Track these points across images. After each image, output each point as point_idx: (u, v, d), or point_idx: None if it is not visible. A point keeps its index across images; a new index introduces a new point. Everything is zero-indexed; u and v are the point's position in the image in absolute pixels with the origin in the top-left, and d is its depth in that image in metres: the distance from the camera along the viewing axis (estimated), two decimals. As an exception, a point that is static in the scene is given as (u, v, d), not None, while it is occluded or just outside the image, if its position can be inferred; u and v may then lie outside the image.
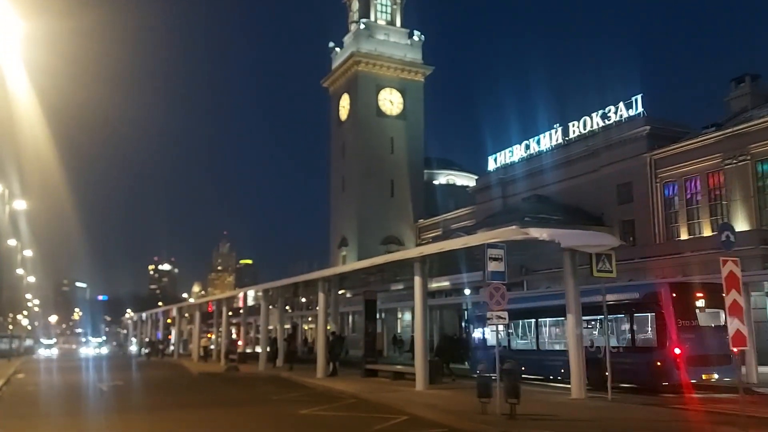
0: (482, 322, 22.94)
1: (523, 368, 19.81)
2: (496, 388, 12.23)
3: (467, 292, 35.70)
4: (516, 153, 50.83)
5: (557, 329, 21.22)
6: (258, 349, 42.93)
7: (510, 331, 22.52)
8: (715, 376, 16.77)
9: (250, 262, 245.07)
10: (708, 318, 17.67)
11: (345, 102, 67.41)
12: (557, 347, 20.82)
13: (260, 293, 34.59)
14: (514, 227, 14.96)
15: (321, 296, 24.56)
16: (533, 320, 22.20)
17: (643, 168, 40.85)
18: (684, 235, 38.09)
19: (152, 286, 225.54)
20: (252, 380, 24.87)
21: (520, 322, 22.77)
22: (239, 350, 37.91)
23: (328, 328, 26.26)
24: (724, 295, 9.67)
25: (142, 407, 16.61)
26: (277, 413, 15.02)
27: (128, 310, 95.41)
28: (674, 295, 17.26)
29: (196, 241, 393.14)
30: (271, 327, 38.60)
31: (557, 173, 46.37)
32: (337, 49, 70.69)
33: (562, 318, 18.64)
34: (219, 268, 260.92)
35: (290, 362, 29.03)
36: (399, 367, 22.43)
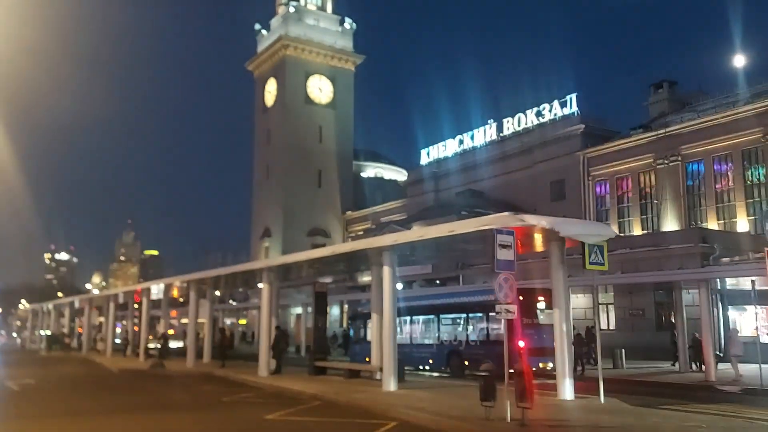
0: (362, 318, 26.42)
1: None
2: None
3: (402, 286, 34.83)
4: (450, 147, 50.40)
5: (427, 326, 24.72)
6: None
7: None
8: (550, 365, 18.88)
9: (156, 253, 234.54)
10: (547, 317, 20.36)
11: (271, 87, 64.84)
12: (426, 341, 24.28)
13: (185, 284, 32.09)
14: (507, 214, 13.87)
15: (265, 287, 22.64)
16: (408, 318, 24.83)
17: (576, 166, 41.36)
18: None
19: (48, 276, 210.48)
20: (185, 378, 22.63)
21: (397, 319, 25.56)
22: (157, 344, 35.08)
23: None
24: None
25: (70, 412, 14.27)
26: (238, 419, 13.19)
27: (23, 301, 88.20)
28: (521, 297, 18.99)
29: (98, 229, 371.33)
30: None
31: (491, 168, 46.32)
32: (264, 31, 67.93)
33: (432, 316, 24.32)
34: (122, 258, 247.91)
35: (222, 359, 26.89)
36: (354, 364, 21.04)
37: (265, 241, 62.63)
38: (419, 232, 16.41)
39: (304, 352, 36.57)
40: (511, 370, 11.14)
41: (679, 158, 36.07)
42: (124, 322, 48.18)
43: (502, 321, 20.62)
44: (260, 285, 23.85)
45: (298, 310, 52.34)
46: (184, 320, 57.09)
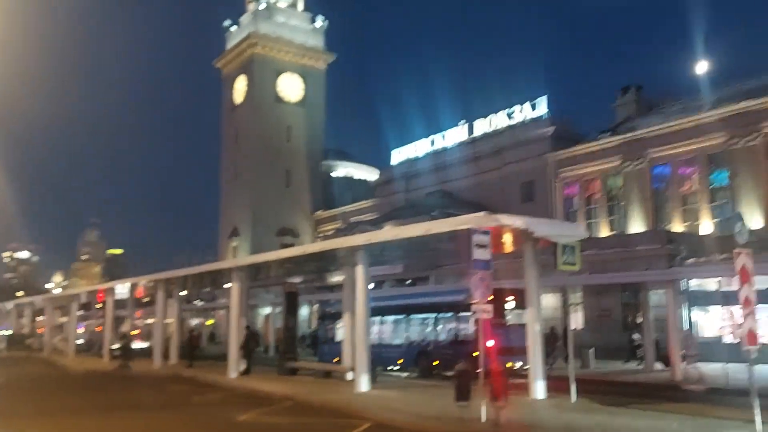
0: (331, 318, 26.57)
1: None
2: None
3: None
4: (421, 148, 50.44)
5: (396, 326, 24.44)
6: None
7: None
8: (518, 364, 18.76)
9: (120, 251, 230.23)
10: (515, 317, 20.83)
11: (240, 85, 64.12)
12: (395, 341, 24.00)
13: (152, 284, 31.51)
14: (483, 214, 13.89)
15: (235, 287, 22.34)
16: (377, 318, 23.79)
17: (545, 168, 41.76)
18: (582, 235, 39.22)
19: (8, 275, 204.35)
20: (154, 379, 22.24)
21: None
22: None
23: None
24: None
25: (41, 412, 13.87)
26: (210, 420, 12.97)
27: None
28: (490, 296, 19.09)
29: (61, 227, 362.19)
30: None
31: (462, 169, 46.43)
32: (233, 28, 67.14)
33: (401, 316, 24.15)
34: (85, 257, 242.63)
35: (190, 359, 26.46)
36: (326, 365, 20.91)
37: (233, 240, 61.96)
38: (394, 232, 16.35)
39: (273, 352, 36.24)
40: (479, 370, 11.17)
41: (646, 161, 36.68)
42: (91, 322, 47.16)
43: (471, 321, 21.05)
44: (228, 285, 23.55)
45: (267, 310, 51.85)
46: (150, 320, 56.11)
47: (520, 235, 14.07)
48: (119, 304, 36.55)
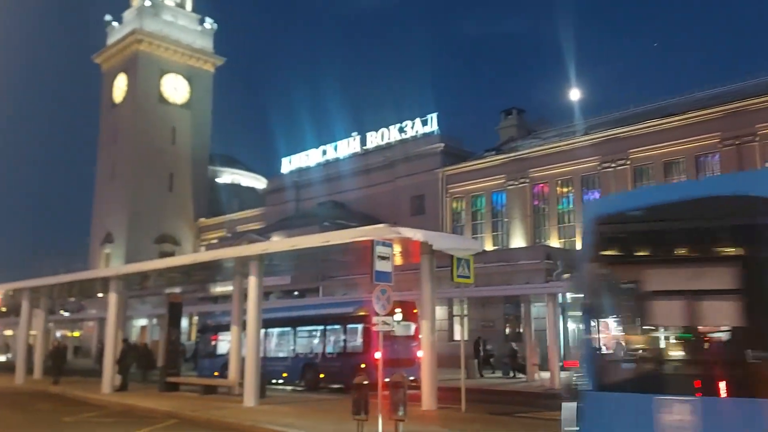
0: (212, 330, 25.71)
1: None
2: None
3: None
4: (312, 157, 50.14)
5: (281, 338, 23.71)
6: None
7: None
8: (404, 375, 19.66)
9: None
10: (401, 329, 20.53)
11: (121, 82, 60.82)
12: (281, 354, 23.26)
13: (12, 293, 28.88)
14: (383, 225, 13.90)
15: (113, 297, 20.83)
16: (262, 330, 23.60)
17: (435, 182, 42.85)
18: (467, 249, 40.48)
19: None
20: (16, 397, 20.19)
21: None
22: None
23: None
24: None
25: None
26: (84, 442, 11.90)
27: None
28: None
29: None
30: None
31: (354, 181, 46.67)
32: (115, 23, 63.67)
33: (288, 328, 23.34)
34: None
35: (57, 374, 24.35)
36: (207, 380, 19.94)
37: (106, 247, 58.31)
38: (291, 242, 15.89)
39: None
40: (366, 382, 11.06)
41: (527, 180, 38.57)
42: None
43: (359, 333, 20.93)
44: (101, 294, 21.97)
45: (143, 321, 49.11)
46: (8, 332, 51.36)
47: (418, 248, 14.15)
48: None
